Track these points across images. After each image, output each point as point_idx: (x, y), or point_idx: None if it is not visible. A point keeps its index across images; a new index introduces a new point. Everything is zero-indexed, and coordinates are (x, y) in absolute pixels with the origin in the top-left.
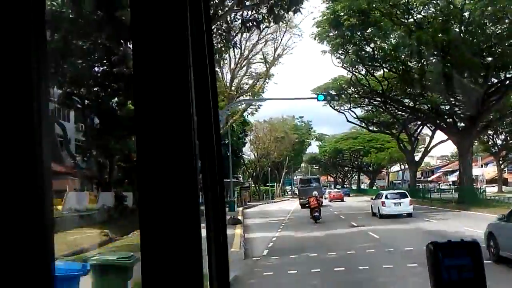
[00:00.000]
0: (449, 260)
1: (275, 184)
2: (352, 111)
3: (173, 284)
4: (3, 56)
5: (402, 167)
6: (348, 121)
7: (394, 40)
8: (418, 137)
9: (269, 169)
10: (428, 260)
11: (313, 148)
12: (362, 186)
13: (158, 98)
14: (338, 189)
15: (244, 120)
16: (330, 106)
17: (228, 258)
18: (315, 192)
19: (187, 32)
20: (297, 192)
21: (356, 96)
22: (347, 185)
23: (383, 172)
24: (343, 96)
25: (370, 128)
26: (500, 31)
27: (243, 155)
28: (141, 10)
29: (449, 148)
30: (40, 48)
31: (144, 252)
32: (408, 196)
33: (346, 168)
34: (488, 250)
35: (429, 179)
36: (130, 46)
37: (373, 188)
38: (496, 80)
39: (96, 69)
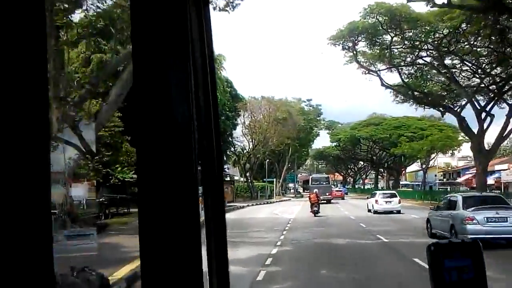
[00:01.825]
0: (450, 261)
1: (275, 180)
2: (396, 68)
3: (173, 284)
4: (3, 56)
5: (424, 166)
6: (383, 84)
7: None
8: (492, 113)
9: (267, 160)
10: (429, 261)
11: (321, 141)
12: (378, 186)
13: (158, 98)
14: (339, 189)
15: (235, 93)
16: (357, 61)
17: (227, 258)
18: (315, 190)
19: (187, 32)
20: (300, 191)
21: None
22: (359, 185)
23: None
24: (376, 46)
25: (408, 102)
26: None
27: (234, 141)
28: (141, 10)
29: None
30: (40, 47)
31: (143, 252)
32: (398, 196)
33: (360, 164)
34: (427, 230)
35: (458, 180)
36: None
37: (400, 189)
38: None
39: None
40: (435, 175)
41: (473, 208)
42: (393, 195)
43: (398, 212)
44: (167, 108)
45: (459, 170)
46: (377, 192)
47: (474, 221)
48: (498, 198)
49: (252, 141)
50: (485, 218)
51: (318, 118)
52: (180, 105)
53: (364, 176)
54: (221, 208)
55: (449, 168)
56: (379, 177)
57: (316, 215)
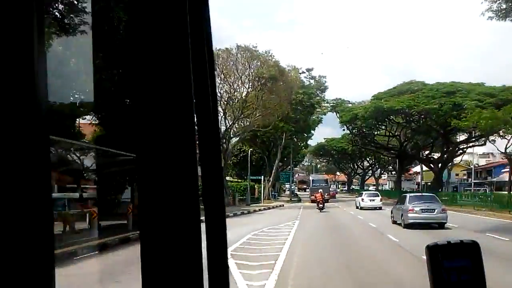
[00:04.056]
0: (449, 262)
1: (263, 178)
2: None
3: (173, 284)
4: (3, 56)
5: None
6: None
7: None
8: None
9: (250, 151)
10: (428, 261)
11: (323, 131)
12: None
13: (158, 99)
14: (333, 189)
15: None
16: None
17: (227, 258)
18: (320, 190)
19: (187, 31)
20: (297, 193)
21: None
22: (368, 186)
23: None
24: None
25: None
26: None
27: None
28: (140, 10)
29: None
30: (40, 47)
31: (143, 252)
32: (379, 195)
33: (370, 160)
34: (391, 219)
35: (492, 180)
36: None
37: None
38: None
39: None
40: (456, 174)
41: (414, 203)
42: (376, 195)
43: (380, 208)
44: (167, 108)
45: (490, 169)
46: (363, 192)
47: (413, 211)
48: (432, 196)
49: (224, 117)
50: (421, 209)
51: (321, 95)
52: (180, 105)
53: (378, 173)
54: (221, 208)
55: (471, 166)
56: (383, 175)
57: (321, 211)
